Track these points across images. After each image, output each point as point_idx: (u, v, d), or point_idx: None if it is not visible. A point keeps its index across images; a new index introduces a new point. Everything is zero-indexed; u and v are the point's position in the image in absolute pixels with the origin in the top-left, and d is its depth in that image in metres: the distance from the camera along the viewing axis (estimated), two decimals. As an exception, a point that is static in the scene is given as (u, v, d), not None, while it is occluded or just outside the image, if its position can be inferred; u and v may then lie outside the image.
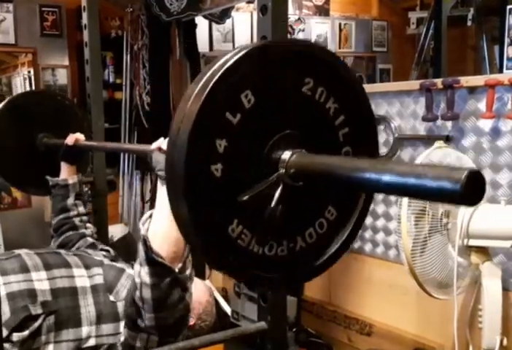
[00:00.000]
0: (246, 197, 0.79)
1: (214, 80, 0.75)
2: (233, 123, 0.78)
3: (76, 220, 1.93)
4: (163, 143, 1.39)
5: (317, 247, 0.91)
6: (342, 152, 0.93)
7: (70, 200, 1.95)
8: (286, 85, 0.85)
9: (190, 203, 0.75)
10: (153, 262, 1.28)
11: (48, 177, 1.98)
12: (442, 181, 0.59)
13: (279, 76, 0.83)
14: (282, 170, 0.81)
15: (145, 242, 1.27)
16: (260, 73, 0.81)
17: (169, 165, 0.78)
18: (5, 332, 1.35)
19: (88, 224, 1.97)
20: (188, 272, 1.33)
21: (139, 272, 1.30)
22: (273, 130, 0.83)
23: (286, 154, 0.81)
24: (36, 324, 1.40)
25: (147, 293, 1.29)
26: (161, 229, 1.28)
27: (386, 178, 0.65)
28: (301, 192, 0.84)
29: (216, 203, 0.79)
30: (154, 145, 1.42)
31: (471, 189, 0.58)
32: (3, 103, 2.12)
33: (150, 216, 1.33)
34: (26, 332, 1.38)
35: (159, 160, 1.36)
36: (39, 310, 1.42)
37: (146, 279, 1.29)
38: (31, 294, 1.45)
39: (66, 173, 1.97)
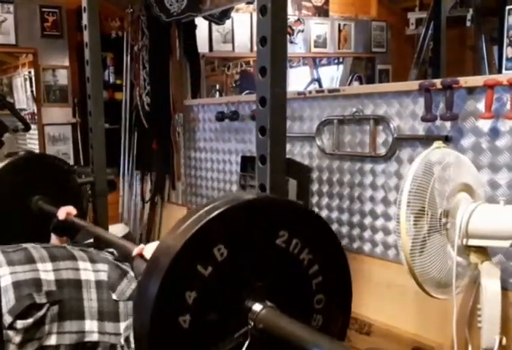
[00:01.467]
0: None
1: (187, 236, 0.78)
2: (205, 275, 0.80)
3: None
4: (144, 249, 1.41)
5: None
6: (315, 300, 0.95)
7: None
8: (261, 238, 0.87)
9: None
10: None
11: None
12: None
13: (253, 230, 0.86)
14: (251, 324, 0.82)
15: None
16: (234, 228, 0.84)
17: (136, 312, 0.80)
18: (9, 319, 1.38)
19: None
20: None
21: None
22: (245, 283, 0.85)
23: (256, 307, 0.83)
24: (41, 313, 1.42)
25: None
26: None
27: None
28: (268, 346, 0.85)
29: None
30: (136, 251, 1.45)
31: None
32: (3, 163, 2.15)
33: None
34: (30, 320, 1.41)
35: (139, 269, 1.38)
36: (44, 300, 1.44)
37: None
38: (37, 283, 1.47)
39: (56, 243, 1.99)
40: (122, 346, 1.47)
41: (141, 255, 1.42)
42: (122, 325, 1.50)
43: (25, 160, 2.29)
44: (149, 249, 1.40)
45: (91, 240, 2.21)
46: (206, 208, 0.83)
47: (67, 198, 2.07)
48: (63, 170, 2.29)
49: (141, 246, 1.46)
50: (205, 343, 0.81)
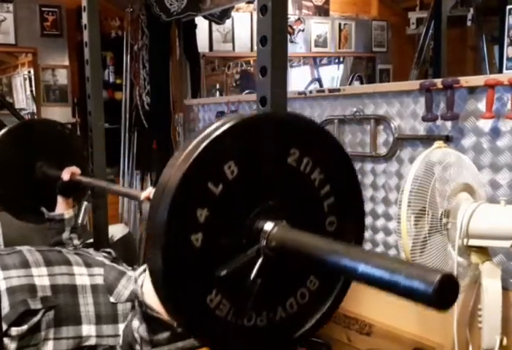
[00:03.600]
0: (224, 272, 0.79)
1: (197, 151, 0.76)
2: (215, 193, 0.78)
3: None
4: (151, 192, 1.39)
5: (297, 318, 0.90)
6: (326, 222, 0.92)
7: (65, 235, 1.97)
8: (271, 157, 0.84)
9: (169, 272, 0.75)
10: (149, 317, 1.28)
11: (44, 210, 2.00)
12: (415, 281, 0.58)
13: (264, 147, 0.83)
14: (263, 242, 0.80)
15: (138, 298, 1.26)
16: (244, 145, 0.81)
17: (149, 232, 0.79)
18: (4, 327, 1.34)
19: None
20: None
21: (138, 328, 1.29)
22: (256, 201, 0.83)
23: (268, 226, 0.81)
24: (36, 319, 1.40)
25: (148, 349, 1.30)
26: None
27: (362, 268, 0.65)
28: (282, 264, 0.83)
29: (196, 273, 0.78)
30: (144, 195, 1.44)
31: (443, 293, 0.57)
32: (3, 131, 2.15)
33: (145, 270, 1.32)
34: (25, 327, 1.38)
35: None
36: (39, 305, 1.42)
37: (145, 335, 1.29)
38: (31, 289, 1.45)
39: (62, 207, 2.00)
40: (121, 347, 1.46)
41: (148, 199, 1.39)
42: (121, 326, 1.48)
43: (25, 127, 2.28)
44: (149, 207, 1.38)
45: (91, 240, 2.21)
46: (215, 125, 0.80)
47: (70, 161, 2.06)
48: (65, 134, 2.28)
49: (149, 189, 1.44)
50: (217, 261, 0.79)
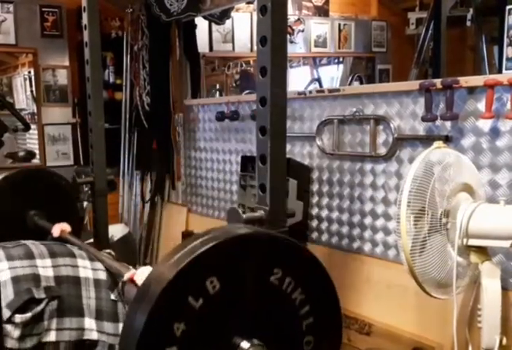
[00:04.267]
0: None
1: (180, 266, 0.77)
2: (195, 307, 0.79)
3: None
4: (135, 274, 1.41)
5: None
6: (304, 341, 0.93)
7: None
8: (254, 275, 0.86)
9: None
10: None
11: None
12: None
13: (248, 265, 0.85)
14: None
15: None
16: (228, 262, 0.83)
17: (123, 339, 0.78)
18: (8, 313, 1.38)
19: None
20: None
21: None
22: (235, 318, 0.84)
23: (244, 345, 0.82)
24: (39, 308, 1.43)
25: None
26: None
27: None
28: None
29: None
30: (126, 276, 1.45)
31: None
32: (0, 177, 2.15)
33: None
34: (29, 315, 1.41)
35: (130, 295, 1.39)
36: (42, 295, 1.45)
37: None
38: (35, 278, 1.48)
39: None
40: None
41: (132, 280, 1.41)
42: (121, 325, 1.49)
43: (22, 175, 2.30)
44: (139, 275, 1.40)
45: (91, 240, 2.21)
46: (202, 239, 0.82)
47: (63, 214, 2.08)
48: (60, 185, 2.30)
49: (132, 270, 1.46)
50: None
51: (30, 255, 1.55)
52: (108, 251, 1.89)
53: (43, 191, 2.22)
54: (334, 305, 0.96)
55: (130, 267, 1.49)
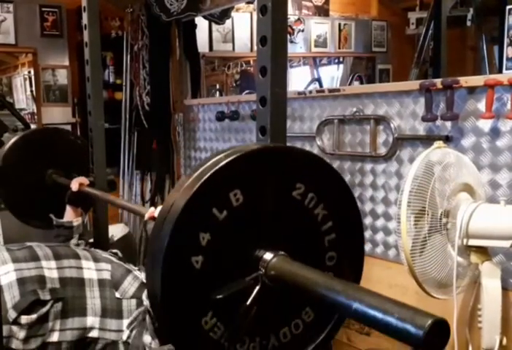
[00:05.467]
0: (221, 296, 0.79)
1: (205, 177, 0.78)
2: (219, 219, 0.80)
3: None
4: (155, 211, 1.42)
5: (290, 347, 0.91)
6: (326, 257, 0.94)
7: (73, 241, 2.01)
8: (277, 188, 0.86)
9: (166, 291, 0.76)
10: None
11: (53, 217, 2.04)
12: (406, 323, 0.60)
13: (271, 179, 0.85)
14: (262, 271, 0.82)
15: (150, 314, 1.28)
16: (251, 175, 0.83)
17: (151, 251, 0.79)
18: (14, 314, 1.40)
19: None
20: None
21: (150, 343, 1.32)
22: (258, 230, 0.85)
23: (267, 256, 0.82)
24: (44, 310, 1.44)
25: None
26: None
27: (356, 306, 0.67)
28: (279, 293, 0.85)
29: (193, 294, 0.79)
30: (147, 215, 1.46)
31: (434, 337, 0.59)
32: (16, 137, 2.18)
33: None
34: (34, 316, 1.42)
35: None
36: (48, 296, 1.46)
37: None
38: (41, 280, 1.50)
39: (71, 215, 2.05)
40: (124, 342, 1.48)
41: (153, 218, 1.41)
42: (125, 322, 1.51)
43: (39, 133, 2.35)
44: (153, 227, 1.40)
45: (91, 239, 2.21)
46: (225, 153, 0.82)
47: (80, 172, 2.09)
48: (76, 144, 2.31)
49: (152, 209, 1.46)
50: (215, 284, 0.81)
51: (35, 257, 1.56)
52: (114, 251, 1.90)
53: (60, 150, 2.25)
54: (356, 222, 0.96)
55: (152, 208, 1.49)
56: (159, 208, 1.42)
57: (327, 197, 0.91)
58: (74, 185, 1.98)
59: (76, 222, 2.02)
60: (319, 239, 0.92)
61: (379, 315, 0.63)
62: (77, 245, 1.99)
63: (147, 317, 1.31)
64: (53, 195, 2.14)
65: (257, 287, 0.82)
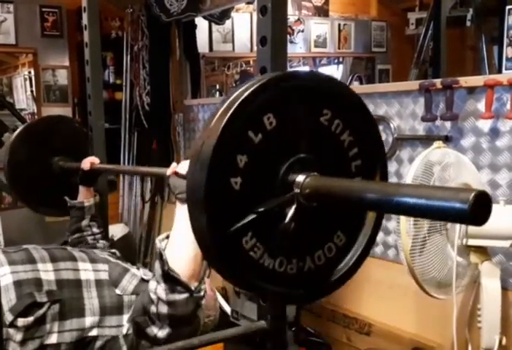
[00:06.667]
0: (262, 209, 0.83)
1: (239, 101, 0.80)
2: (255, 141, 0.83)
3: (90, 238, 2.02)
4: (177, 167, 1.42)
5: (324, 270, 0.94)
6: None
7: (85, 222, 2.03)
8: (306, 113, 0.89)
9: (209, 212, 0.79)
10: (169, 278, 1.32)
11: (67, 198, 2.06)
12: (451, 202, 0.62)
13: (300, 104, 0.88)
14: (297, 190, 0.84)
15: (161, 257, 1.29)
16: (282, 99, 0.86)
17: (191, 175, 0.82)
18: (10, 317, 1.40)
19: (101, 241, 2.05)
20: (203, 292, 1.36)
21: (155, 288, 1.34)
22: (291, 153, 0.88)
23: (300, 177, 0.85)
24: (41, 312, 1.44)
25: (164, 309, 1.34)
26: (178, 248, 1.34)
27: (397, 199, 0.68)
28: (313, 214, 0.88)
29: (233, 214, 0.82)
30: (170, 170, 1.46)
31: (478, 209, 0.61)
32: (21, 127, 2.19)
33: (167, 237, 1.39)
34: (31, 318, 1.42)
35: (176, 185, 1.40)
36: (44, 299, 1.46)
37: (163, 296, 1.33)
38: (37, 283, 1.49)
39: (83, 196, 2.05)
40: (124, 335, 1.49)
41: (176, 173, 1.42)
42: (126, 317, 1.52)
43: (43, 123, 2.34)
44: (181, 167, 1.41)
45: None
46: (258, 78, 0.85)
47: (85, 157, 2.11)
48: (81, 132, 2.32)
49: (174, 164, 1.46)
50: (254, 204, 0.84)
51: (31, 260, 1.56)
52: (113, 250, 1.90)
53: (64, 137, 2.25)
54: (379, 149, 0.98)
55: (174, 163, 1.50)
56: (182, 163, 1.44)
57: (353, 124, 0.93)
58: (86, 165, 1.99)
59: (88, 202, 2.03)
60: (346, 164, 0.95)
61: (421, 201, 0.65)
62: (88, 226, 2.01)
63: (157, 261, 1.33)
64: (61, 182, 2.18)
65: (294, 206, 0.84)
